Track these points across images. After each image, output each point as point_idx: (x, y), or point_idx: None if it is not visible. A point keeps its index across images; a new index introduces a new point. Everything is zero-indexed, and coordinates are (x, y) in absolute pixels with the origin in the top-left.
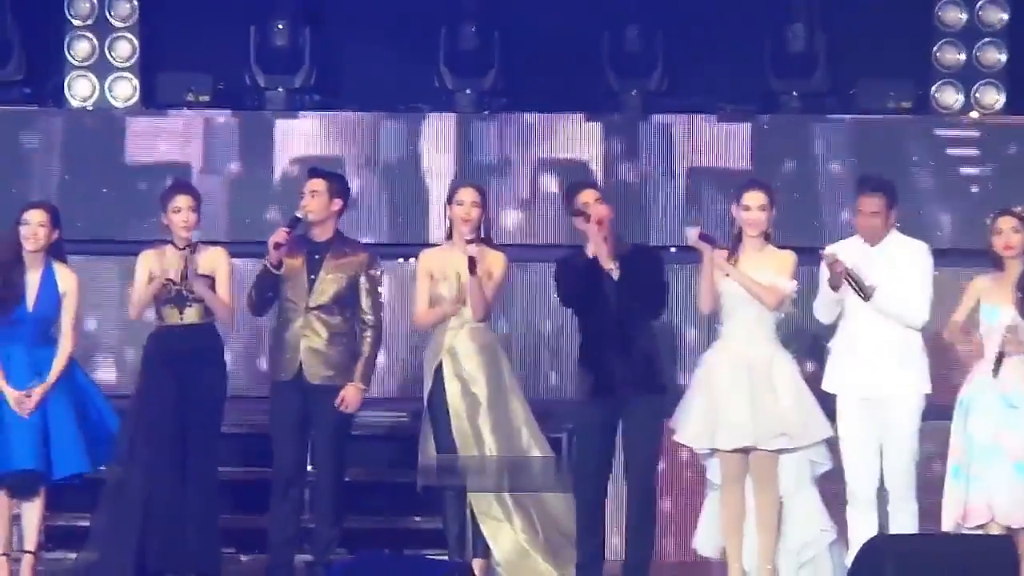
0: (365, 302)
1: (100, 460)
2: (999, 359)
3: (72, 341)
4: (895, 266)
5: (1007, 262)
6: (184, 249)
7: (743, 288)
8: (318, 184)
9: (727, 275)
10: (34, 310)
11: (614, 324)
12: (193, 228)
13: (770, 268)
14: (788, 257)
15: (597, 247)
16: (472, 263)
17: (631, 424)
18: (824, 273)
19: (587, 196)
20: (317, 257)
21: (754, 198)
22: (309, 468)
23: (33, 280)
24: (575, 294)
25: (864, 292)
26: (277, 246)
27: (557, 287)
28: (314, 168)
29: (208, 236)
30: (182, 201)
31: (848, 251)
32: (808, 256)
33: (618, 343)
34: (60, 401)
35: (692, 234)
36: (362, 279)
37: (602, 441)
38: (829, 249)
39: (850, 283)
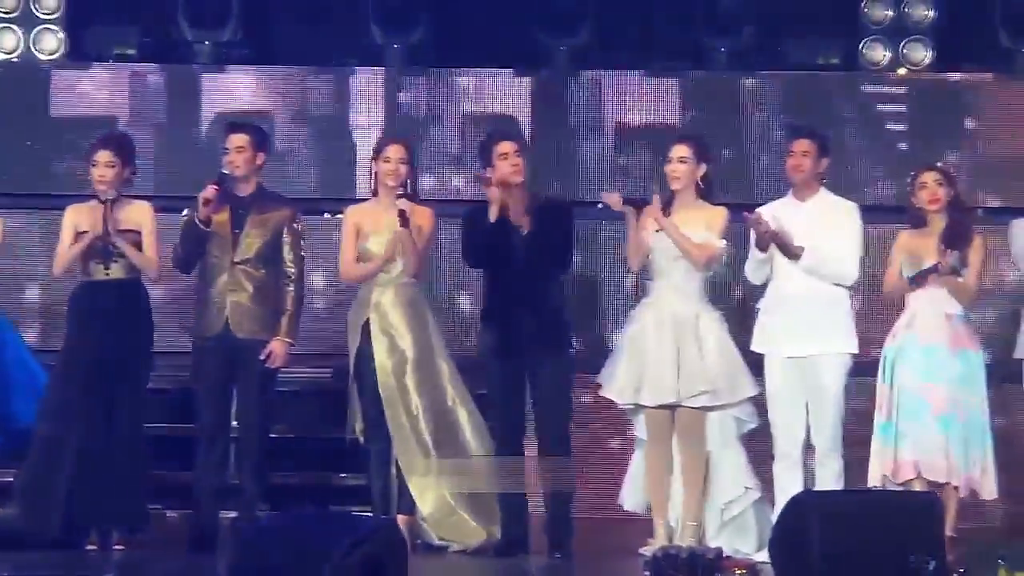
0: (288, 256)
1: (27, 416)
2: (927, 272)
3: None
4: (824, 224)
5: (930, 216)
6: (104, 203)
7: (674, 244)
8: (241, 139)
9: (659, 229)
10: None
11: (521, 282)
12: (110, 183)
13: (701, 223)
14: (719, 213)
15: (494, 211)
16: (403, 216)
17: (540, 382)
18: (753, 235)
19: (504, 147)
20: (241, 212)
21: (676, 151)
22: (233, 424)
23: None
24: (480, 255)
25: (791, 251)
26: (207, 202)
27: (463, 246)
28: (234, 123)
29: (135, 191)
30: (99, 156)
31: (778, 211)
32: (737, 213)
33: (524, 301)
34: None
35: (614, 200)
36: (285, 233)
37: (515, 399)
38: (757, 211)
39: (777, 244)
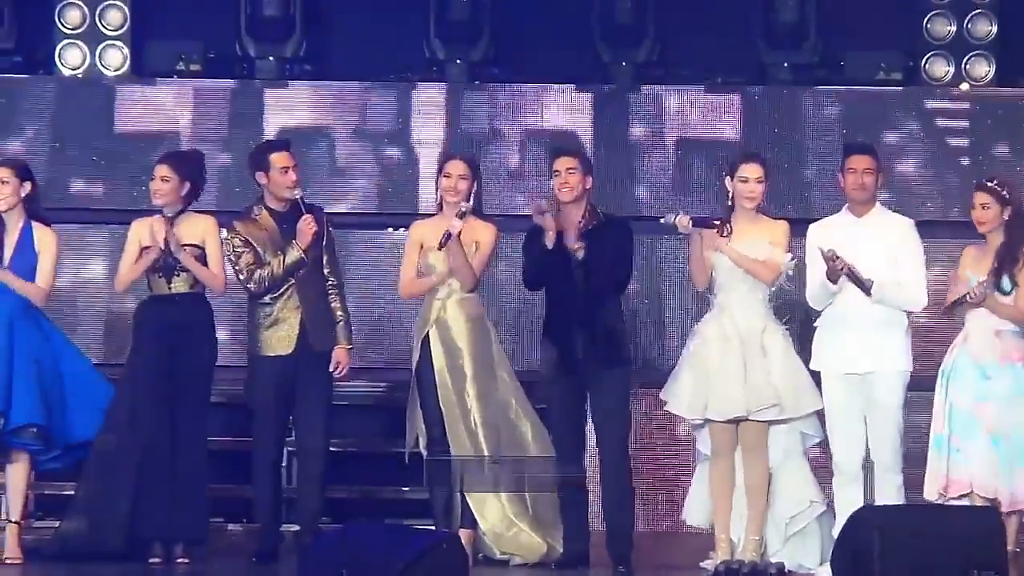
0: (327, 263)
1: (85, 431)
2: (957, 303)
3: (42, 287)
4: (883, 240)
5: (988, 235)
6: (167, 218)
7: (738, 265)
8: (292, 158)
9: (720, 251)
10: (8, 268)
11: (578, 301)
12: (165, 197)
13: (764, 238)
14: (781, 227)
15: (550, 238)
16: (446, 235)
17: (598, 399)
18: (814, 261)
19: (560, 164)
20: (285, 227)
21: (752, 170)
22: (292, 438)
23: (10, 239)
24: (534, 282)
25: (864, 286)
26: (314, 233)
27: (522, 270)
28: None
29: (198, 205)
30: (157, 170)
31: (834, 227)
32: (797, 227)
33: (582, 319)
34: (27, 362)
35: (683, 223)
36: (324, 242)
37: (574, 416)
38: (831, 249)
39: (850, 279)
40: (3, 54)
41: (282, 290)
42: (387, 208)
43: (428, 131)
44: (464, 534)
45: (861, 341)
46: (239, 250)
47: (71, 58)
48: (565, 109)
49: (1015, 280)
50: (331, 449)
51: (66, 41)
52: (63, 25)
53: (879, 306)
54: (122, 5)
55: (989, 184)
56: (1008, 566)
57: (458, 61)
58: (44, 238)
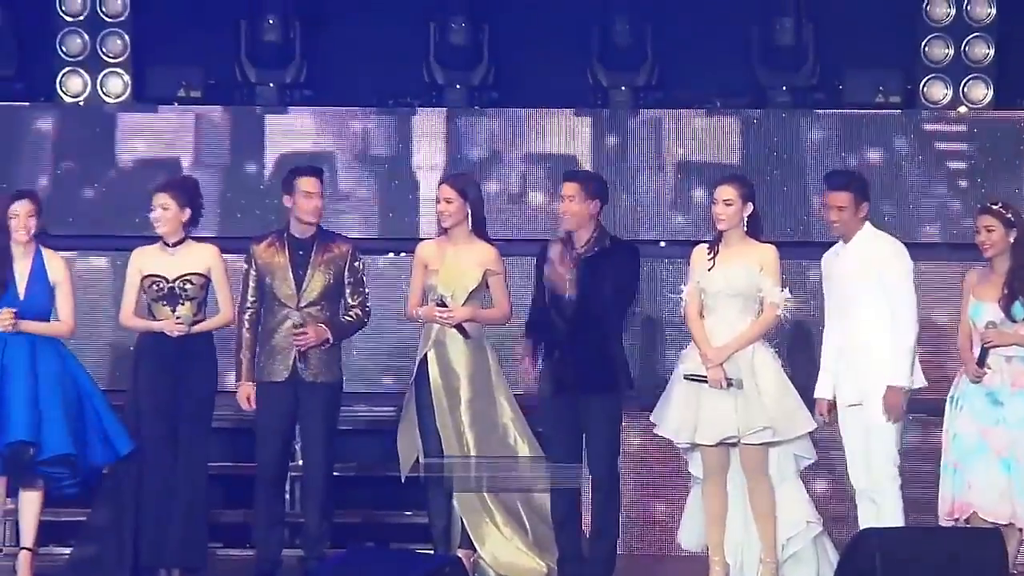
0: (352, 298)
1: (101, 459)
2: (983, 354)
3: (69, 325)
4: (867, 265)
5: (993, 259)
6: (171, 246)
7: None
8: (317, 184)
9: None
10: (26, 299)
11: (572, 327)
12: (166, 225)
13: (751, 263)
14: (769, 252)
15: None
16: (462, 331)
17: (588, 423)
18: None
19: (563, 190)
20: (302, 253)
21: (720, 192)
22: (297, 463)
23: (23, 270)
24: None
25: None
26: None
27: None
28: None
29: (199, 231)
30: (156, 199)
31: (829, 260)
32: (799, 250)
33: (576, 345)
34: (51, 387)
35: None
36: (346, 274)
37: (567, 437)
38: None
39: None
40: (4, 81)
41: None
42: (388, 233)
43: (428, 156)
44: (464, 554)
45: (854, 371)
46: (247, 280)
47: (72, 85)
48: (564, 133)
49: None
50: (335, 474)
51: (67, 68)
52: (64, 52)
53: (872, 335)
54: (123, 32)
55: (994, 207)
56: None
57: (457, 86)
58: (57, 267)
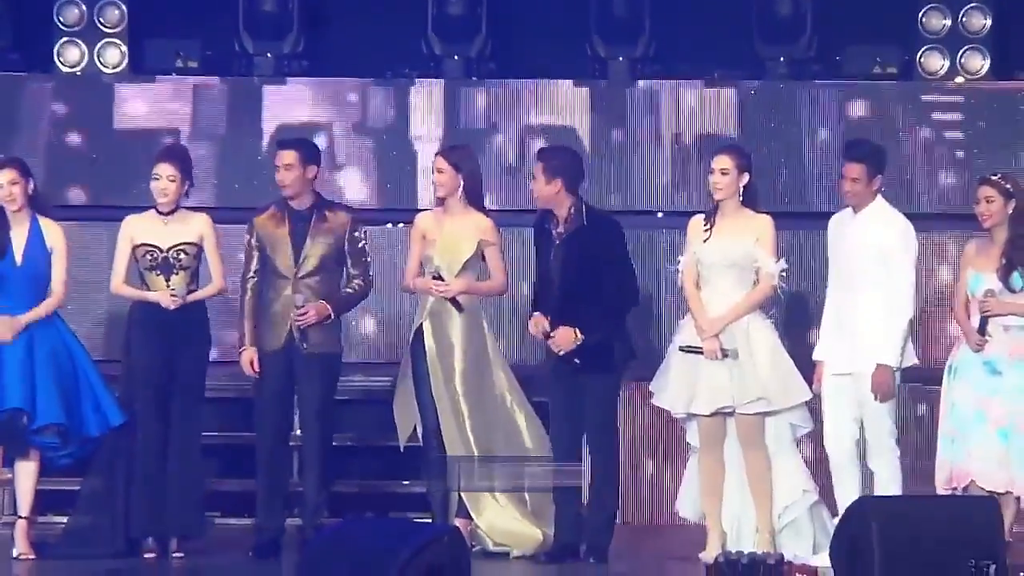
0: (354, 268)
1: (95, 428)
2: (983, 322)
3: (59, 295)
4: (872, 238)
5: (992, 229)
6: (165, 215)
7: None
8: (290, 156)
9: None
10: (23, 265)
11: (561, 307)
12: (171, 196)
13: (747, 233)
14: (764, 222)
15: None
16: (456, 304)
17: (587, 399)
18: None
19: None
20: (301, 225)
21: (717, 162)
22: (296, 433)
23: (19, 236)
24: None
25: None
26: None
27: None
28: (281, 140)
29: (196, 202)
30: (162, 169)
31: (833, 228)
32: (796, 221)
33: (568, 323)
34: (46, 358)
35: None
36: (347, 245)
37: (567, 409)
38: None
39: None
40: (1, 51)
41: (286, 288)
42: (386, 204)
43: (426, 127)
44: (461, 523)
45: (851, 341)
46: (250, 251)
47: (70, 56)
48: (562, 104)
49: None
50: (334, 444)
51: (64, 39)
52: (61, 23)
53: (869, 306)
54: (120, 3)
55: (993, 178)
56: (1004, 555)
57: (455, 57)
58: (54, 233)
